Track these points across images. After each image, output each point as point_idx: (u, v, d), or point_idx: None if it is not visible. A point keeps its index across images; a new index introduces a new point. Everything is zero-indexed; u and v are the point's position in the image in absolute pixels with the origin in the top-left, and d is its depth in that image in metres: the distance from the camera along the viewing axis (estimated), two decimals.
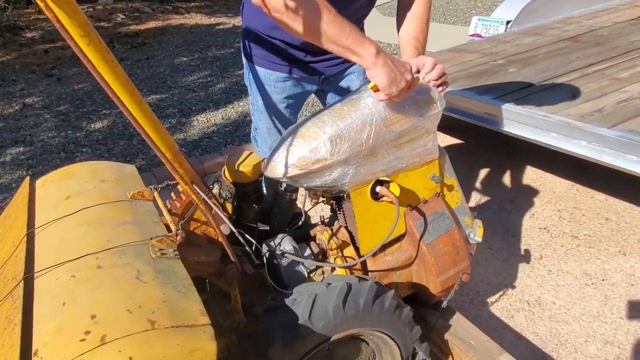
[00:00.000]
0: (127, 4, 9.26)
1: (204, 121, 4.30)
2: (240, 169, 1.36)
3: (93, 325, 0.79)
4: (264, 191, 1.51)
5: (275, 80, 1.68)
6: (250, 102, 1.82)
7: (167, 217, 1.16)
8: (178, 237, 1.05)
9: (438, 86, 1.35)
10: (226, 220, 1.18)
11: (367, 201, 1.36)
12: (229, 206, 1.44)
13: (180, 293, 0.90)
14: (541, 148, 2.43)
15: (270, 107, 1.74)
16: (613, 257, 2.36)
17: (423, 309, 1.62)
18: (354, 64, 1.71)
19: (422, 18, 1.47)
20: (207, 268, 1.25)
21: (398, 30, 1.51)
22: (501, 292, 2.19)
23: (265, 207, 1.50)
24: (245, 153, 1.42)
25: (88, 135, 4.02)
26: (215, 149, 3.76)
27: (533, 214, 2.76)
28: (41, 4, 0.72)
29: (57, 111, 4.54)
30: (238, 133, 4.03)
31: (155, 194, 1.26)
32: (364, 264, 1.46)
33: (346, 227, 1.48)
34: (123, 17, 8.53)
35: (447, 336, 1.59)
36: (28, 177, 1.37)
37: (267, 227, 1.51)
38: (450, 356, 1.62)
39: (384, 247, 1.47)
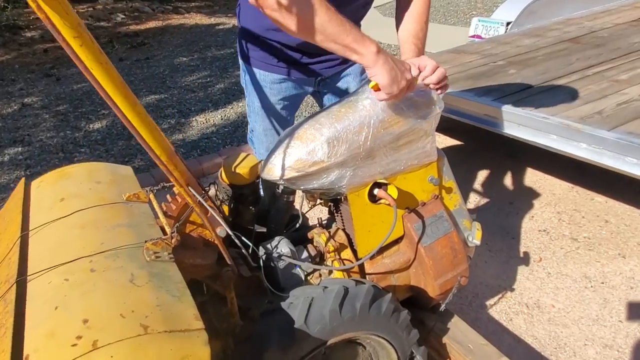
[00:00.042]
0: (127, 3, 9.25)
1: (203, 122, 4.29)
2: (237, 170, 1.35)
3: (85, 330, 0.78)
4: (261, 193, 1.50)
5: (272, 82, 1.67)
6: (247, 104, 1.81)
7: (163, 220, 1.14)
8: (173, 240, 1.04)
9: (437, 89, 1.33)
10: (222, 223, 1.17)
11: (364, 204, 1.35)
12: (225, 208, 1.43)
13: (174, 297, 0.89)
14: (541, 150, 2.42)
15: (266, 108, 1.73)
16: (613, 260, 2.35)
17: (421, 312, 1.61)
18: (351, 65, 1.70)
19: (422, 16, 1.45)
20: (203, 271, 1.24)
21: (397, 30, 1.49)
22: (500, 295, 2.18)
23: (262, 209, 1.49)
24: (243, 155, 1.41)
25: (87, 136, 4.01)
26: (214, 150, 3.75)
27: (532, 216, 2.75)
28: (32, 5, 0.71)
29: (55, 111, 4.53)
30: (237, 134, 4.03)
31: (151, 196, 1.24)
32: (361, 266, 1.45)
33: (344, 230, 1.47)
34: (123, 16, 8.52)
35: (445, 340, 1.58)
36: (23, 179, 1.36)
37: (264, 229, 1.50)
38: None
39: (381, 250, 1.46)
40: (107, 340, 0.76)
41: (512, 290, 2.21)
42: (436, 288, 1.45)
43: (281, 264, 1.36)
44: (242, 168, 1.36)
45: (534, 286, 2.22)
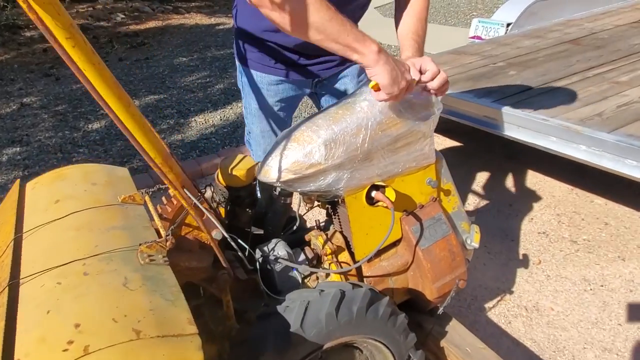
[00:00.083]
0: (127, 3, 9.24)
1: (202, 122, 4.28)
2: (234, 172, 1.34)
3: (77, 335, 0.77)
4: (258, 195, 1.49)
5: (269, 84, 1.66)
6: (244, 106, 1.80)
7: (158, 222, 1.14)
8: (168, 243, 1.03)
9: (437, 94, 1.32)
10: (218, 225, 1.16)
11: (362, 206, 1.34)
12: (222, 210, 1.42)
13: (168, 301, 0.88)
14: (541, 151, 2.41)
15: (264, 110, 1.72)
16: (612, 263, 2.34)
17: (419, 315, 1.60)
18: (348, 67, 1.69)
19: (421, 14, 1.43)
20: (199, 274, 1.23)
21: (396, 30, 1.48)
22: (499, 298, 2.17)
23: (259, 211, 1.48)
24: (239, 156, 1.40)
25: (85, 136, 4.00)
26: (213, 150, 3.74)
27: (532, 218, 2.74)
28: (24, 5, 0.70)
29: (54, 111, 4.52)
30: (236, 134, 4.02)
31: (147, 197, 1.24)
32: (359, 269, 1.44)
33: (341, 232, 1.46)
34: (123, 16, 8.51)
35: (443, 343, 1.57)
36: (18, 180, 1.35)
37: (262, 232, 1.50)
38: None
39: (379, 253, 1.45)
40: (98, 345, 0.75)
41: (511, 292, 2.20)
42: (434, 291, 1.44)
43: (278, 267, 1.35)
44: (239, 170, 1.35)
45: (533, 289, 2.21)
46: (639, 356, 1.87)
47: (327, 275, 1.41)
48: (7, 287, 0.91)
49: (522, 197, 2.96)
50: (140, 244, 1.01)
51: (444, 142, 3.68)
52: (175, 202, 1.21)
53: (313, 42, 1.12)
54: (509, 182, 3.14)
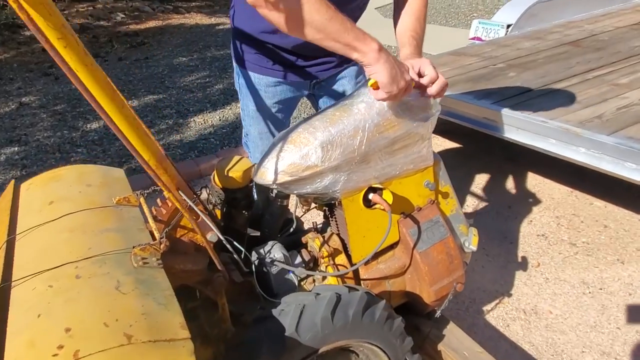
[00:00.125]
0: (127, 3, 9.23)
1: (201, 122, 4.27)
2: (230, 174, 1.33)
3: (67, 339, 0.76)
4: (255, 197, 1.48)
5: (267, 85, 1.65)
6: (241, 108, 1.79)
7: (152, 224, 1.12)
8: (162, 246, 1.02)
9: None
10: (213, 228, 1.15)
11: (359, 208, 1.33)
12: (218, 212, 1.41)
13: (161, 305, 0.87)
14: (540, 153, 2.40)
15: (261, 112, 1.71)
16: (611, 266, 2.33)
17: (416, 318, 1.59)
18: (347, 68, 1.68)
19: (419, 13, 1.41)
20: (194, 276, 1.22)
21: (395, 29, 1.46)
22: (497, 300, 2.16)
23: (256, 213, 1.47)
24: (236, 158, 1.39)
25: (84, 136, 3.99)
26: (211, 151, 3.73)
27: (531, 221, 2.73)
28: (14, 5, 0.69)
29: (53, 110, 4.51)
30: (235, 135, 4.00)
31: (142, 199, 1.22)
32: (356, 272, 1.43)
33: (338, 235, 1.45)
34: (123, 16, 8.50)
35: (440, 347, 1.56)
36: (13, 181, 1.34)
37: (258, 233, 1.49)
38: None
39: (376, 255, 1.44)
40: (88, 350, 0.74)
41: (510, 295, 2.19)
42: (432, 294, 1.43)
43: (274, 270, 1.34)
44: (235, 172, 1.34)
45: (531, 292, 2.20)
46: None
47: (324, 277, 1.40)
48: None
49: (521, 199, 2.95)
50: (133, 247, 1.00)
51: (444, 144, 3.67)
52: (170, 204, 1.20)
53: (312, 42, 1.11)
54: (508, 184, 3.13)
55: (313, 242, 1.43)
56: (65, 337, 0.76)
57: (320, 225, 1.57)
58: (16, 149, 3.79)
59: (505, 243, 2.55)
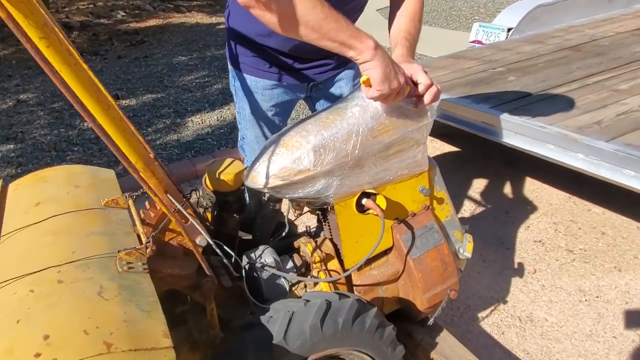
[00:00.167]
0: (128, 1, 9.20)
1: (199, 122, 4.25)
2: (222, 177, 1.31)
3: (45, 347, 0.74)
4: (247, 200, 1.46)
5: (263, 88, 1.62)
6: (237, 111, 1.77)
7: (140, 228, 1.10)
8: (148, 250, 1.00)
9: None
10: (202, 232, 1.13)
11: (352, 214, 1.31)
12: (209, 215, 1.39)
13: (144, 312, 0.85)
14: (539, 158, 2.38)
15: (258, 115, 1.69)
16: (608, 273, 2.31)
17: (409, 325, 1.57)
18: (344, 70, 1.66)
19: (414, 15, 1.38)
20: (182, 281, 1.20)
21: (389, 30, 1.43)
22: (492, 307, 2.14)
23: (248, 216, 1.45)
24: (228, 160, 1.37)
25: (81, 134, 3.97)
26: (208, 151, 3.71)
27: (528, 226, 2.71)
28: None
29: (51, 108, 4.49)
30: (232, 135, 3.98)
31: (130, 201, 1.20)
32: (348, 278, 1.41)
33: (331, 240, 1.43)
34: (124, 14, 8.48)
35: (433, 354, 1.54)
36: (1, 180, 1.32)
37: (250, 237, 1.47)
38: None
39: (369, 261, 1.42)
40: (66, 359, 0.72)
41: (505, 302, 2.17)
42: (425, 301, 1.41)
43: (265, 274, 1.32)
44: (227, 175, 1.32)
45: (527, 299, 2.18)
46: None
47: (316, 283, 1.38)
48: None
49: (519, 204, 2.93)
50: (119, 251, 0.98)
51: (442, 147, 3.65)
52: (158, 207, 1.18)
53: (308, 42, 1.08)
54: (506, 189, 3.11)
55: (305, 246, 1.41)
56: (43, 344, 0.74)
57: (314, 230, 1.55)
58: (12, 146, 3.77)
59: (502, 249, 2.53)
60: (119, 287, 0.89)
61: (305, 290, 1.37)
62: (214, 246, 1.15)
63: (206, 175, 1.35)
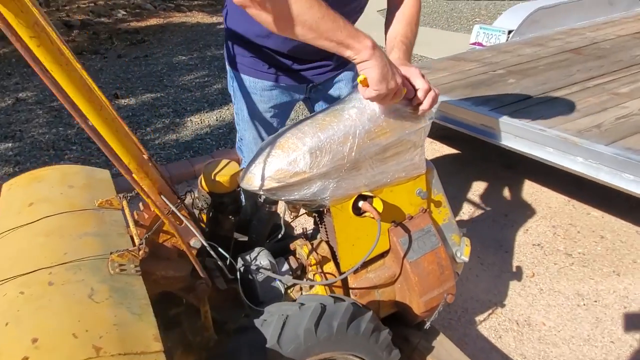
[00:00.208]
0: (129, 0, 9.20)
1: (198, 122, 4.24)
2: (217, 178, 1.30)
3: (32, 351, 0.73)
4: (243, 202, 1.45)
5: (262, 89, 1.61)
6: (235, 112, 1.76)
7: (133, 229, 1.09)
8: (140, 252, 0.99)
9: None
10: (196, 233, 1.12)
11: (348, 216, 1.29)
12: (204, 217, 1.38)
13: (135, 315, 0.84)
14: (539, 161, 2.37)
15: (256, 116, 1.68)
16: (607, 278, 2.30)
17: (406, 329, 1.56)
18: (343, 71, 1.65)
19: (412, 18, 1.37)
20: (176, 283, 1.19)
21: (385, 34, 1.41)
22: (490, 311, 2.13)
23: (243, 218, 1.44)
24: (224, 162, 1.36)
25: (79, 133, 3.95)
26: (207, 151, 3.70)
27: (527, 230, 2.69)
28: None
29: (50, 107, 4.48)
30: (232, 136, 3.97)
31: (124, 202, 1.19)
32: (344, 281, 1.40)
33: (327, 242, 1.41)
34: (124, 13, 8.48)
35: (429, 359, 1.53)
36: None
37: (246, 239, 1.45)
38: None
39: (366, 264, 1.40)
40: None
41: (503, 306, 2.16)
42: (421, 305, 1.40)
43: (260, 277, 1.30)
44: (223, 176, 1.31)
45: (525, 302, 2.17)
46: None
47: (311, 286, 1.37)
48: None
49: (518, 207, 2.92)
50: (111, 253, 0.97)
51: (441, 149, 3.64)
52: (152, 208, 1.17)
53: (304, 42, 1.07)
54: (505, 191, 3.10)
55: (301, 249, 1.40)
56: (31, 348, 0.73)
57: (311, 232, 1.54)
58: (10, 145, 3.76)
59: (501, 252, 2.52)
60: (110, 290, 0.88)
61: (301, 293, 1.36)
62: (208, 248, 1.14)
63: (202, 176, 1.34)
